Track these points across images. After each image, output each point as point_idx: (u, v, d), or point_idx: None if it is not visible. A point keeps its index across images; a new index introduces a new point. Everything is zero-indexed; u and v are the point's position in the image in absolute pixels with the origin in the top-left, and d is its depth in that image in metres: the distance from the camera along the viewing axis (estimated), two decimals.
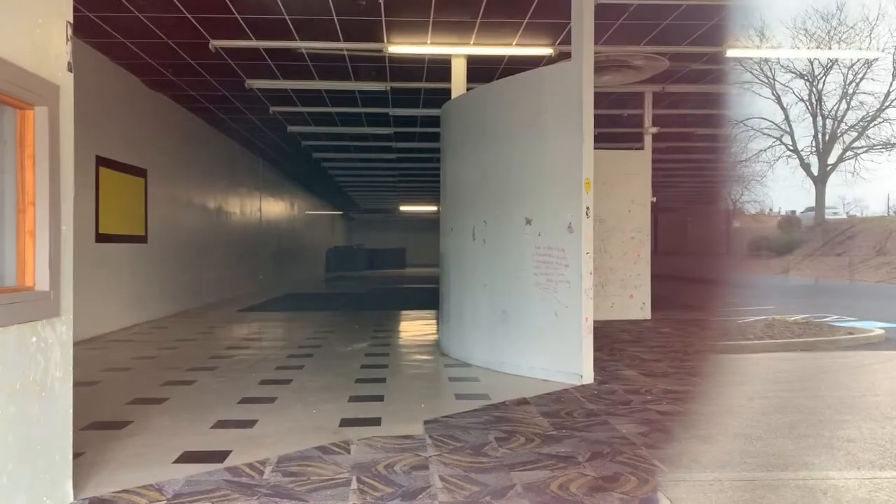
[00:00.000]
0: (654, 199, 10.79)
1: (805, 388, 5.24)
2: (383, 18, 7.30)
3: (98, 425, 4.16)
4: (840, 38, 29.92)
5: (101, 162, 8.55)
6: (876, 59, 29.91)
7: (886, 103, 31.53)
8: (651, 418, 4.29)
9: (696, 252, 26.65)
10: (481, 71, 8.95)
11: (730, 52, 8.31)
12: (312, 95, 10.78)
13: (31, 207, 2.60)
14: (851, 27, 30.54)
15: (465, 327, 6.59)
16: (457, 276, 6.80)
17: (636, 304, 10.47)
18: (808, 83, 32.86)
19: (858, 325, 9.92)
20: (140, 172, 9.79)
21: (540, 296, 5.71)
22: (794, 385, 5.34)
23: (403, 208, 35.58)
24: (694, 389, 5.17)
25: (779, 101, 32.22)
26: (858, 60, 30.86)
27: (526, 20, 7.34)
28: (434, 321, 10.12)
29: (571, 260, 5.47)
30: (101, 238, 8.55)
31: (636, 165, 10.41)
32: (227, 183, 14.80)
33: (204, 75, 9.53)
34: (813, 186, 33.95)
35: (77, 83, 2.90)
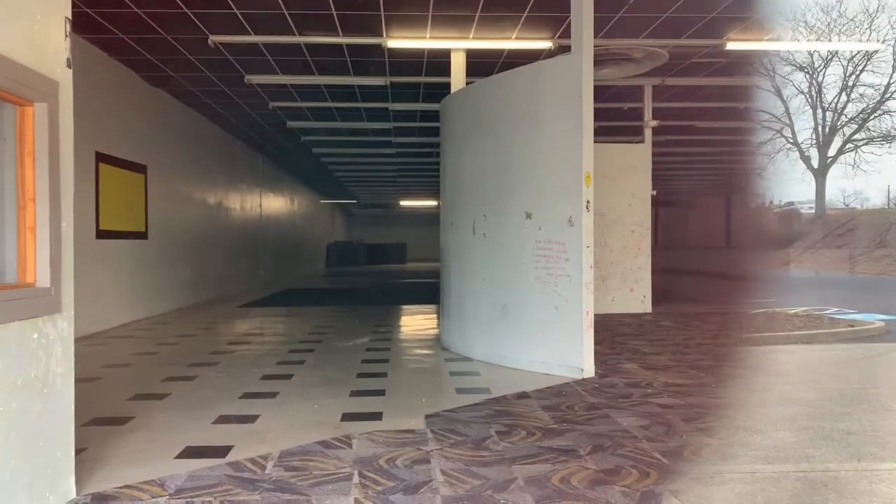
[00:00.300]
0: (655, 193, 10.79)
1: (806, 380, 5.24)
2: (382, 13, 7.29)
3: (100, 421, 4.17)
4: (840, 31, 29.88)
5: (101, 158, 8.55)
6: (876, 52, 29.82)
7: (887, 95, 31.47)
8: (652, 411, 4.30)
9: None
10: (481, 65, 8.93)
11: (730, 45, 8.29)
12: (312, 90, 10.76)
13: (31, 204, 2.60)
14: (851, 19, 30.48)
15: (466, 322, 6.59)
16: (457, 270, 6.80)
17: (637, 298, 10.48)
18: (807, 75, 32.81)
19: (859, 317, 9.93)
20: (140, 168, 9.79)
21: (540, 290, 5.71)
22: (795, 377, 5.34)
23: (404, 203, 35.56)
24: (695, 382, 5.18)
25: (779, 93, 32.13)
26: (858, 52, 30.80)
27: (525, 14, 7.32)
28: (434, 316, 10.12)
29: (572, 254, 5.47)
30: (102, 234, 8.55)
31: (636, 159, 10.40)
32: (227, 178, 14.79)
33: (203, 71, 9.52)
34: (813, 179, 33.92)
35: (76, 79, 2.90)
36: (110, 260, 8.84)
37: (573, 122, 5.46)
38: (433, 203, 33.37)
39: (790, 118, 33.08)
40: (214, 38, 8.00)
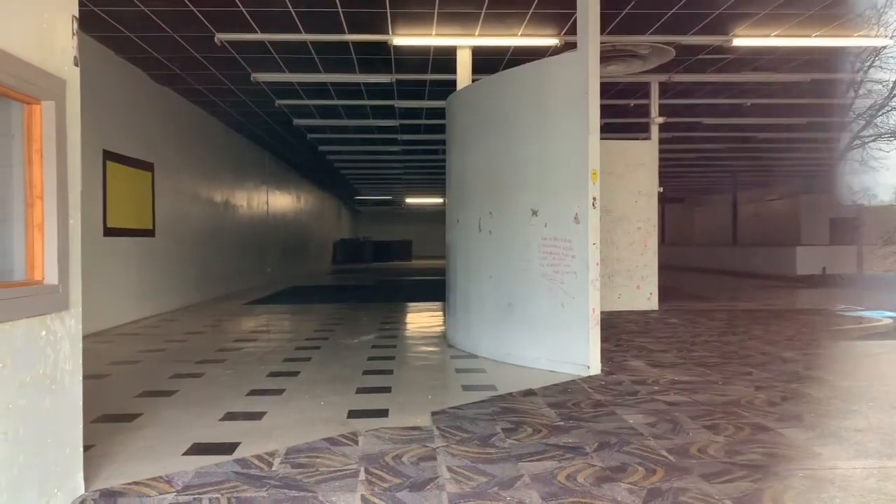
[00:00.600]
0: (661, 190, 10.77)
1: (812, 377, 5.22)
2: (388, 10, 7.28)
3: (107, 418, 4.19)
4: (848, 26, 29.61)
5: (109, 156, 8.58)
6: (885, 48, 29.64)
7: (895, 92, 31.25)
8: (658, 409, 4.29)
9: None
10: (486, 62, 8.92)
11: (736, 42, 8.27)
12: (318, 88, 10.77)
13: (38, 201, 2.61)
14: (859, 15, 30.26)
15: (472, 319, 6.60)
16: (463, 267, 6.81)
17: (643, 295, 10.47)
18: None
19: (866, 314, 9.88)
20: (147, 166, 9.82)
21: (546, 287, 5.71)
22: (802, 375, 5.33)
23: (409, 200, 35.58)
24: (701, 380, 5.17)
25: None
26: (866, 48, 30.56)
27: (531, 10, 7.31)
28: (440, 313, 10.13)
29: (578, 251, 5.46)
30: (109, 232, 8.58)
31: (643, 156, 10.38)
32: (233, 176, 14.83)
33: (210, 69, 9.54)
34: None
35: (83, 78, 2.91)
36: (118, 257, 8.88)
37: (579, 118, 5.45)
38: (439, 200, 33.39)
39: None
40: (221, 37, 8.02)
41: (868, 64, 13.14)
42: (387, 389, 4.97)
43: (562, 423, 3.98)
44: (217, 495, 2.87)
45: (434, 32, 7.95)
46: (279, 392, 4.89)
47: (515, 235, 6.00)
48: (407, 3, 7.11)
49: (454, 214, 7.02)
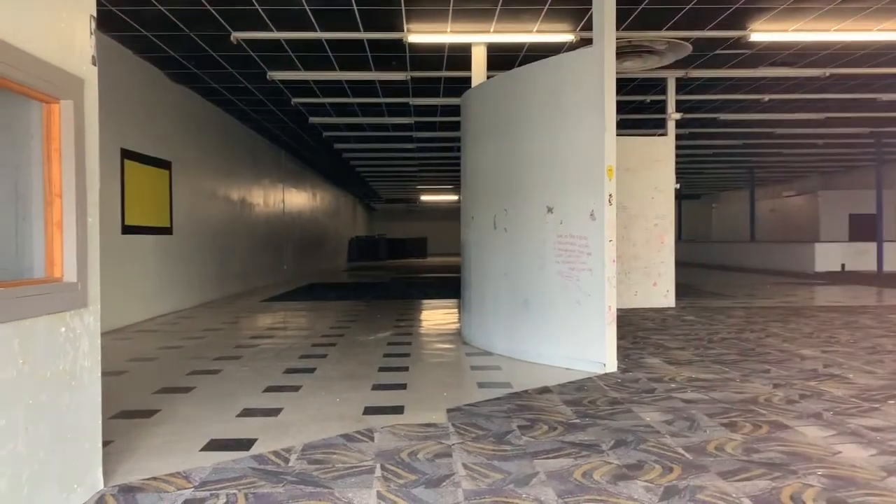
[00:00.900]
0: (678, 186, 10.69)
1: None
2: (403, 7, 7.29)
3: (126, 414, 4.23)
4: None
5: (127, 154, 8.65)
6: None
7: None
8: (675, 406, 4.27)
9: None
10: (501, 59, 8.91)
11: (754, 36, 8.19)
12: (333, 86, 10.80)
13: (58, 200, 2.64)
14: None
15: (487, 316, 6.59)
16: (478, 264, 6.80)
17: (660, 292, 10.42)
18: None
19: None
20: (165, 164, 9.89)
21: (562, 284, 5.69)
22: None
23: (424, 198, 35.61)
24: (719, 377, 5.13)
25: None
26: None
27: (546, 6, 7.28)
28: (455, 310, 10.13)
29: (594, 248, 5.44)
30: (128, 230, 8.66)
31: (659, 151, 10.32)
32: (250, 174, 14.91)
33: (226, 67, 9.59)
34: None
35: (101, 77, 2.93)
36: (136, 255, 8.96)
37: (595, 115, 5.43)
38: (454, 198, 33.42)
39: None
40: (237, 35, 8.06)
41: None
42: (402, 386, 4.98)
43: (578, 420, 3.97)
44: (234, 491, 2.89)
45: (449, 29, 7.94)
46: (295, 388, 4.91)
47: (531, 232, 5.98)
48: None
49: (469, 212, 7.02)
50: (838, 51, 9.12)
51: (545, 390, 4.79)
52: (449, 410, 4.23)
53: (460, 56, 8.96)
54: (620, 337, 7.11)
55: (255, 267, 15.23)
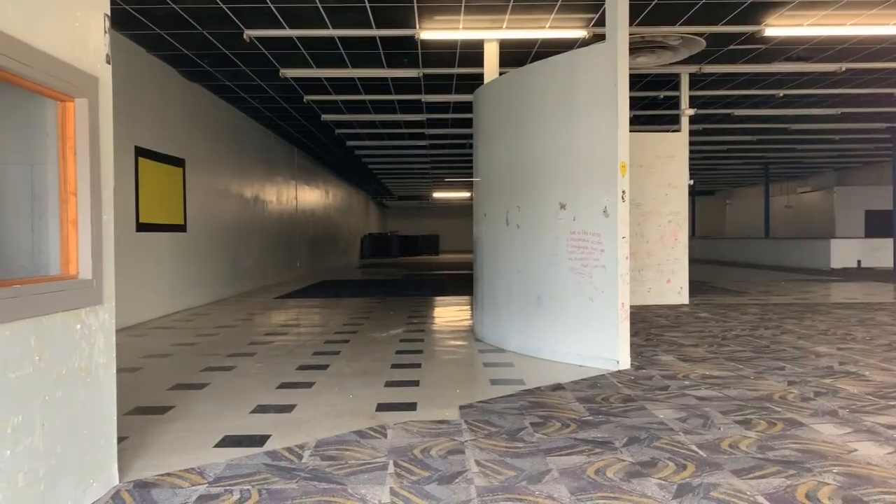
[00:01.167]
0: (692, 182, 10.63)
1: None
2: (415, 4, 7.28)
3: (140, 410, 4.26)
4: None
5: (141, 152, 8.71)
6: None
7: None
8: (689, 403, 4.25)
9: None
10: (514, 55, 8.89)
11: (768, 31, 8.12)
12: (346, 83, 10.82)
13: (73, 197, 2.66)
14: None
15: (500, 313, 6.58)
16: (491, 261, 6.79)
17: (673, 289, 10.37)
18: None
19: None
20: (178, 162, 9.95)
21: (575, 281, 5.68)
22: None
23: (437, 195, 35.61)
24: (733, 374, 5.10)
25: None
26: None
27: (559, 2, 7.25)
28: (468, 307, 10.13)
29: (607, 244, 5.42)
30: (142, 227, 8.72)
31: (673, 148, 10.25)
32: (263, 171, 14.96)
33: (239, 65, 9.63)
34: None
35: (115, 75, 2.95)
36: (150, 252, 9.02)
37: (608, 111, 5.40)
38: (466, 195, 33.39)
39: None
40: (249, 33, 8.09)
41: None
42: (415, 383, 4.99)
43: (591, 417, 3.96)
44: (248, 487, 2.90)
45: (461, 26, 7.93)
46: (309, 385, 4.93)
47: (544, 229, 5.97)
48: None
49: (482, 208, 7.01)
50: (854, 45, 9.03)
51: (558, 387, 4.78)
52: (462, 407, 4.23)
53: (472, 53, 8.94)
54: (634, 334, 7.08)
55: (268, 264, 15.29)
